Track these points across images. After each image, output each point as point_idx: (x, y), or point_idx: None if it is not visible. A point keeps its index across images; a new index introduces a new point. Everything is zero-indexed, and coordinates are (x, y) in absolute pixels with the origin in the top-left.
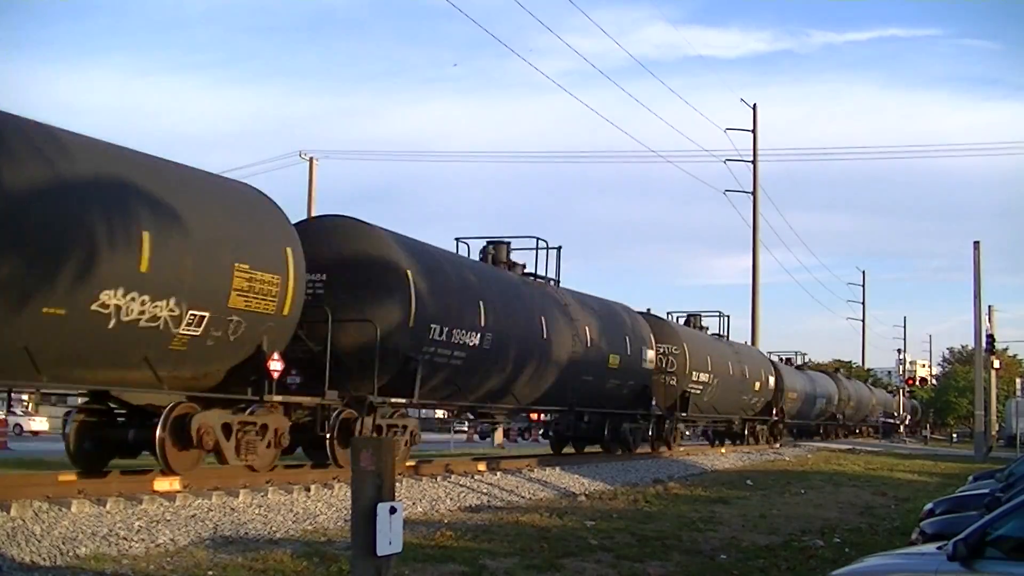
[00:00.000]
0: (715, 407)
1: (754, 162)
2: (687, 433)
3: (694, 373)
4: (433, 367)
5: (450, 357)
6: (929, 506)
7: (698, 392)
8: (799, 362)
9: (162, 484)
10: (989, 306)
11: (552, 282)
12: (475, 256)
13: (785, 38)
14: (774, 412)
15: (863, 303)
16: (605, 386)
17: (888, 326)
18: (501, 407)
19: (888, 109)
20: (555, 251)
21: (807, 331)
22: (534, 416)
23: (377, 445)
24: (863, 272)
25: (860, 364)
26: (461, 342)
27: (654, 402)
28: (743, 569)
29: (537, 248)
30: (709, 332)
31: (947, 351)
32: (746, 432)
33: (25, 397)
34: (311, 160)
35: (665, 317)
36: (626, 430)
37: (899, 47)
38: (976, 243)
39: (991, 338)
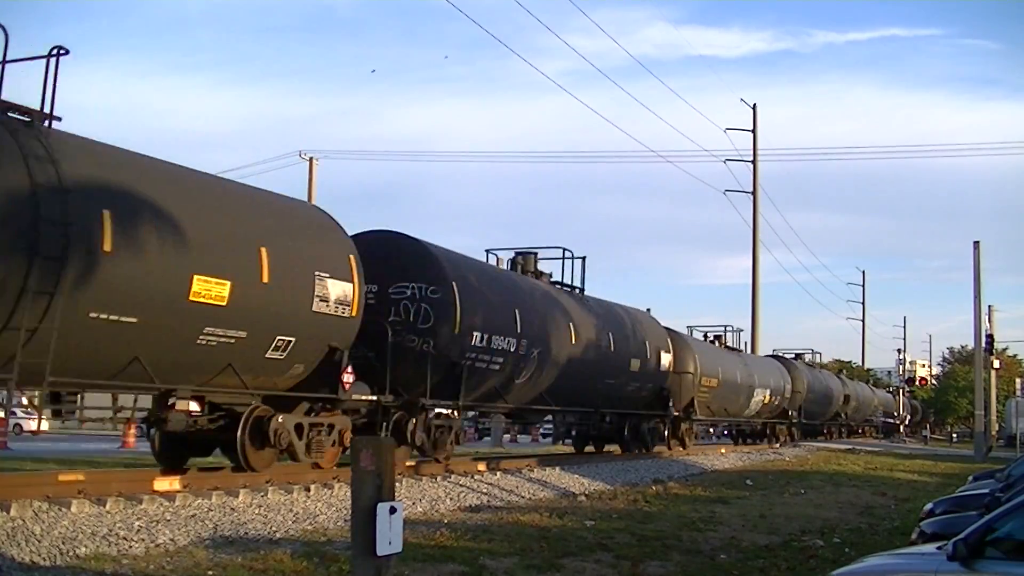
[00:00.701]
0: (541, 392)
1: (754, 162)
2: (453, 438)
3: (475, 335)
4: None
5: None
6: (929, 506)
7: (494, 367)
8: (734, 342)
9: (162, 484)
10: (989, 306)
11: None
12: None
13: (786, 38)
14: (671, 404)
15: (863, 303)
16: None
17: (888, 326)
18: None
19: (888, 109)
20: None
21: (807, 331)
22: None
23: (377, 445)
24: (863, 272)
25: (860, 364)
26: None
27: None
28: (743, 569)
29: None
30: (551, 279)
31: (947, 351)
32: (626, 431)
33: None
34: (311, 160)
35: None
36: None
37: (900, 47)
38: (976, 243)
39: (991, 338)
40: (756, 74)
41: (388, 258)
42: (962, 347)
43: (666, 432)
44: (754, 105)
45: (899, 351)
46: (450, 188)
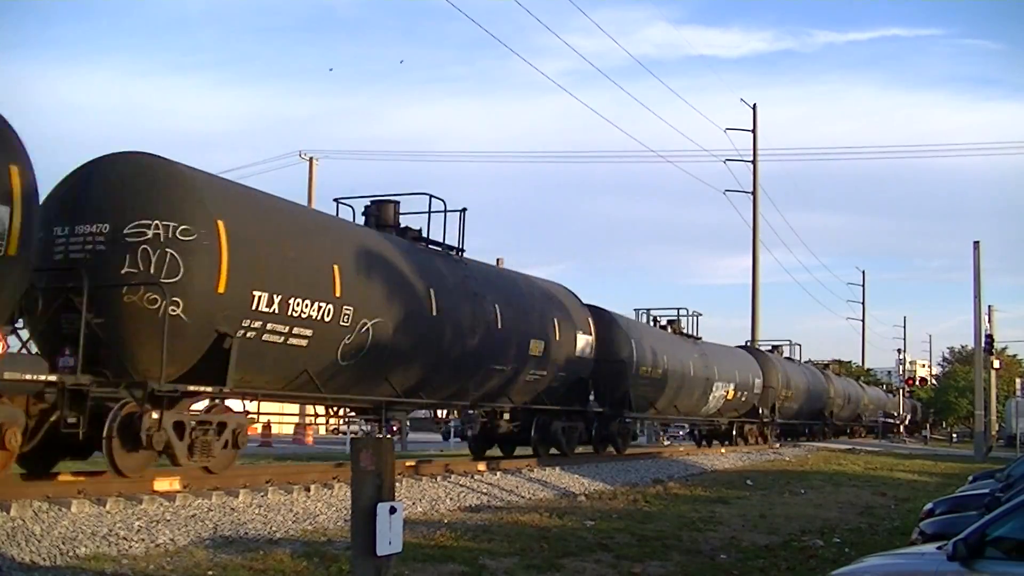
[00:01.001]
0: (385, 378)
1: (754, 162)
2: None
3: (258, 297)
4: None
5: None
6: (929, 506)
7: (297, 343)
8: (690, 328)
9: (162, 484)
10: (989, 306)
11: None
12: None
13: (786, 38)
14: (592, 398)
15: (863, 303)
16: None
17: (888, 326)
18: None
19: (888, 109)
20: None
21: (807, 331)
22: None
23: (377, 445)
24: (863, 272)
25: (860, 364)
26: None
27: None
28: (743, 569)
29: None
30: (421, 236)
31: (947, 351)
32: (533, 431)
33: None
34: (311, 160)
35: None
36: None
37: (900, 47)
38: (976, 243)
39: (991, 338)
40: (756, 74)
41: (127, 188)
42: (962, 347)
43: (592, 432)
44: (754, 105)
45: (899, 351)
46: (450, 188)
